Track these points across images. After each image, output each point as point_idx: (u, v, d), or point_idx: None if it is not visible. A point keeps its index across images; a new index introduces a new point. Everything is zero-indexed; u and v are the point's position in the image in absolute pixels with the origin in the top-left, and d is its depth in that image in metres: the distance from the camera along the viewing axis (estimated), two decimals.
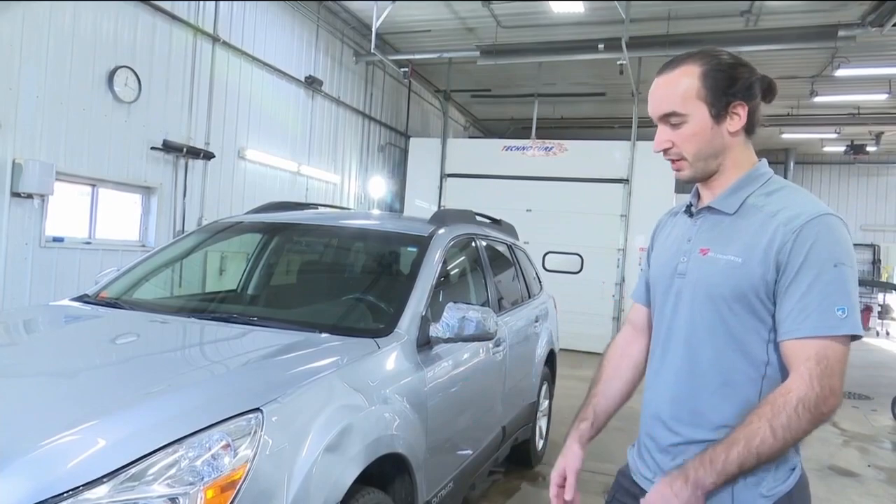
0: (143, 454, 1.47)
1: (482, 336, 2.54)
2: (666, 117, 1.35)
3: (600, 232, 10.14)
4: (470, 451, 3.02)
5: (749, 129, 1.37)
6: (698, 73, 1.33)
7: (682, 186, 13.24)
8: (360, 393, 2.03)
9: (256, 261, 3.58)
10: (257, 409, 1.64)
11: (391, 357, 2.32)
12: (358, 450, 1.88)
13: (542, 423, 4.60)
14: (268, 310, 3.09)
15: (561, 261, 10.72)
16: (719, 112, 1.32)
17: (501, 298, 3.78)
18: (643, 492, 1.38)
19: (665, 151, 1.38)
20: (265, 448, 1.59)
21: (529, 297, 4.51)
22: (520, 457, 4.21)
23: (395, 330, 2.45)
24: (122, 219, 6.64)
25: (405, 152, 11.99)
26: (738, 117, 1.33)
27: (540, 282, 5.02)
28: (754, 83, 1.34)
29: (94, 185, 6.21)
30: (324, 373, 1.96)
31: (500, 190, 10.51)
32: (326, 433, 1.77)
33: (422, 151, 11.54)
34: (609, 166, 10.30)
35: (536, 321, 4.37)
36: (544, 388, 4.58)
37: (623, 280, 10.07)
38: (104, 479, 1.42)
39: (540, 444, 4.59)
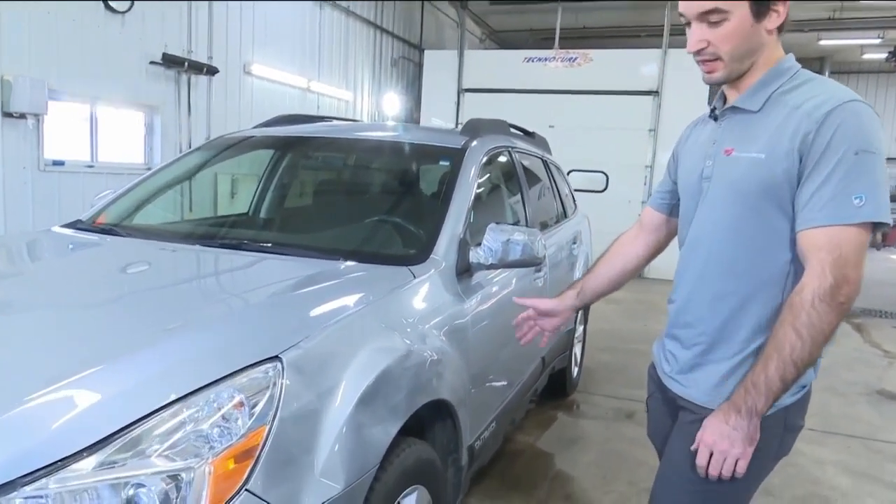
0: (137, 417, 1.17)
1: (529, 261, 2.20)
2: (705, 15, 1.29)
3: (627, 148, 9.62)
4: (511, 387, 2.74)
5: (782, 26, 1.32)
6: None
7: (714, 99, 12.65)
8: (397, 331, 1.71)
9: (269, 180, 3.22)
10: (275, 358, 1.33)
11: (429, 288, 1.99)
12: (398, 400, 1.58)
13: (576, 349, 4.34)
14: (284, 235, 2.75)
15: (585, 179, 10.21)
16: (761, 9, 1.27)
17: (540, 219, 3.43)
18: (665, 387, 1.49)
19: (698, 52, 1.32)
20: (288, 405, 1.29)
21: (565, 217, 4.15)
22: (555, 386, 3.97)
23: (431, 256, 2.11)
24: (125, 141, 6.27)
25: (419, 67, 11.35)
26: (778, 14, 1.29)
27: (574, 200, 4.65)
28: None
29: (91, 105, 5.80)
30: (353, 309, 1.64)
31: (521, 105, 9.94)
32: (360, 382, 1.46)
33: (437, 65, 10.90)
34: (637, 77, 9.67)
35: (574, 243, 4.03)
36: (579, 313, 4.29)
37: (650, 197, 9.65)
38: (89, 451, 1.12)
39: (575, 371, 4.34)
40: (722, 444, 1.26)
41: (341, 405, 1.40)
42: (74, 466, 1.10)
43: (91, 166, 5.82)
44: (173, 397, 1.20)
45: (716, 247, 1.35)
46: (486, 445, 2.39)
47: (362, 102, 10.14)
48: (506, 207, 3.08)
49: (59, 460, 1.11)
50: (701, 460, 1.30)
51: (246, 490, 1.16)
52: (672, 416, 1.50)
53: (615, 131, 9.68)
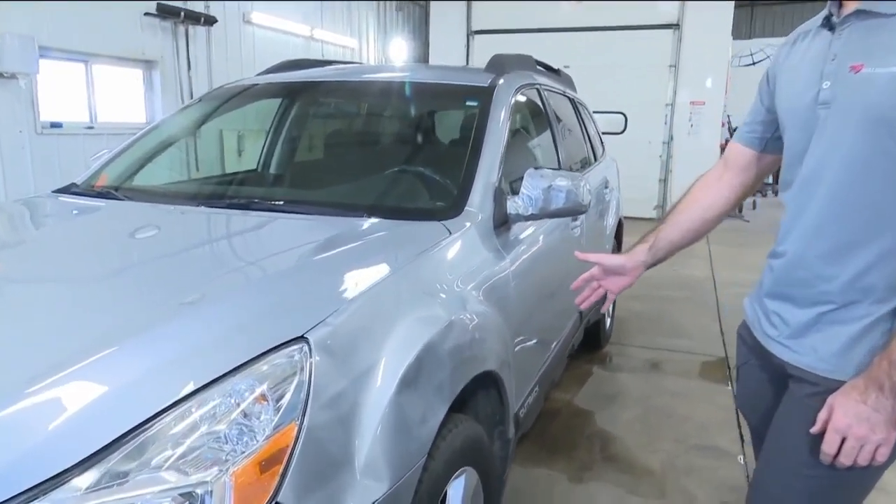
0: (144, 419, 0.96)
1: (573, 209, 1.96)
2: None
3: (646, 86, 9.19)
4: (552, 346, 2.54)
5: None
6: None
7: (739, 32, 12.02)
8: (436, 297, 1.49)
9: (278, 131, 2.96)
10: (301, 339, 1.11)
11: (466, 244, 1.76)
12: (444, 376, 1.37)
13: None
14: (299, 191, 2.51)
15: (603, 120, 9.80)
16: None
17: (571, 163, 3.16)
18: (769, 353, 1.26)
19: None
20: (319, 394, 1.07)
21: (595, 160, 3.87)
22: (589, 339, 3.77)
23: (466, 208, 1.87)
24: (124, 99, 6.00)
25: (426, 10, 10.86)
26: None
27: (602, 142, 4.37)
28: None
29: (86, 62, 5.52)
30: (386, 274, 1.42)
31: (535, 46, 9.37)
32: (401, 360, 1.25)
33: (445, 6, 10.40)
34: (656, 10, 9.16)
35: (606, 188, 3.77)
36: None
37: (671, 138, 9.28)
38: (86, 464, 0.92)
39: (608, 322, 4.14)
40: (860, 428, 1.04)
41: (381, 389, 1.19)
42: (67, 487, 0.90)
43: (90, 127, 5.58)
44: (186, 392, 0.99)
45: (842, 188, 1.10)
46: (530, 412, 2.20)
47: (368, 49, 9.74)
48: (538, 151, 2.82)
49: (51, 478, 0.90)
50: (829, 447, 1.08)
51: (276, 503, 0.96)
52: (775, 387, 1.28)
53: (634, 69, 9.23)
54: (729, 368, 3.77)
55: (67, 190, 2.31)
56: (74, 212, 2.10)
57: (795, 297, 1.20)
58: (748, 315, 1.37)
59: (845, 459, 1.07)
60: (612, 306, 4.28)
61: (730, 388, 3.50)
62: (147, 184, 2.41)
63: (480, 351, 1.57)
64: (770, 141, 1.31)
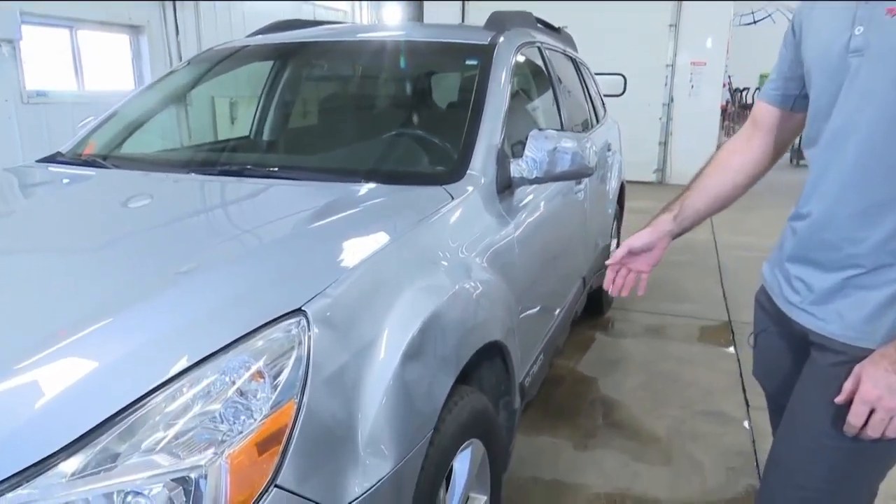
0: (134, 398, 0.90)
1: (580, 172, 1.89)
2: None
3: (645, 47, 8.99)
4: (556, 313, 2.48)
5: None
6: None
7: None
8: (439, 265, 1.42)
9: (270, 95, 2.86)
10: (298, 311, 1.04)
11: (469, 209, 1.69)
12: (450, 347, 1.31)
13: None
14: (293, 157, 2.42)
15: (602, 82, 9.64)
16: None
17: (573, 125, 3.07)
18: (789, 320, 1.19)
19: None
20: (319, 370, 1.01)
21: (597, 122, 3.78)
22: (591, 305, 3.71)
23: (468, 172, 1.79)
24: (112, 68, 5.84)
25: None
26: None
27: (604, 103, 4.26)
28: None
29: (71, 28, 5.35)
30: (387, 241, 1.34)
31: (532, 8, 9.24)
32: (405, 332, 1.19)
33: None
34: None
35: (609, 150, 3.68)
36: (614, 227, 3.99)
37: (671, 100, 9.13)
38: (73, 447, 0.86)
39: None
40: (891, 400, 0.98)
41: (384, 363, 1.13)
42: (54, 471, 0.84)
43: (78, 96, 5.43)
44: (177, 370, 0.93)
45: (874, 143, 1.01)
46: (535, 380, 2.16)
47: (361, 15, 9.50)
48: (540, 113, 2.73)
49: (36, 463, 0.85)
50: (856, 419, 1.03)
51: (276, 486, 0.91)
52: (795, 356, 1.22)
53: (632, 30, 9.02)
54: (733, 333, 3.73)
55: (52, 159, 2.22)
56: (62, 181, 2.02)
57: (820, 260, 1.13)
58: (767, 280, 1.30)
59: (872, 432, 1.01)
60: None
61: (734, 352, 3.47)
62: (135, 152, 2.32)
63: (486, 320, 1.51)
64: (798, 99, 1.22)
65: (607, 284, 1.48)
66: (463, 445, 1.45)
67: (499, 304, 1.61)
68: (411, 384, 1.17)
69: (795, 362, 1.21)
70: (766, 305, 1.31)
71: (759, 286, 1.37)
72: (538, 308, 2.15)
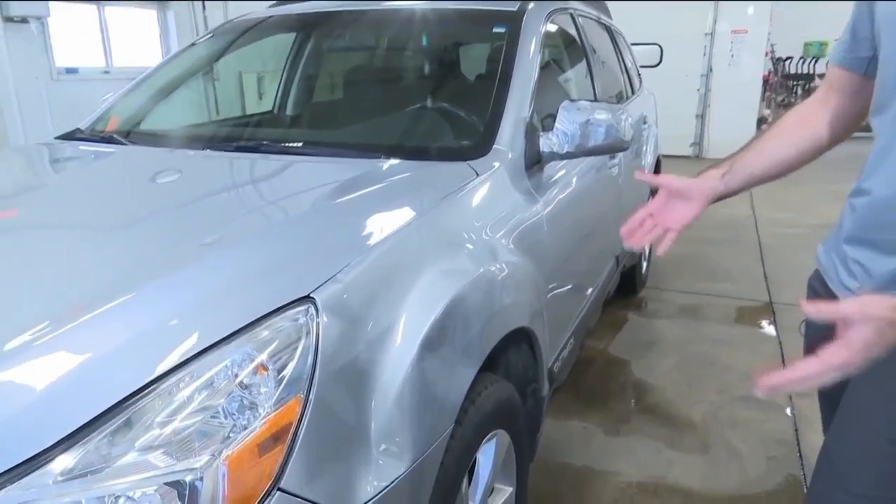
0: (128, 394, 0.84)
1: (614, 146, 1.77)
2: None
3: (683, 15, 8.65)
4: (588, 294, 2.38)
5: None
6: None
7: None
8: (462, 246, 1.33)
9: (293, 69, 2.78)
10: (307, 298, 0.97)
11: (495, 186, 1.59)
12: (473, 335, 1.22)
13: None
14: (314, 132, 2.34)
15: (636, 53, 9.38)
16: None
17: (607, 96, 2.92)
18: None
19: None
20: (328, 362, 0.94)
21: (632, 93, 3.61)
22: (624, 284, 3.59)
23: (494, 147, 1.69)
24: (140, 44, 5.82)
25: None
26: None
27: (640, 74, 4.09)
28: None
29: (98, 4, 5.33)
30: (406, 222, 1.26)
31: None
32: (423, 320, 1.10)
33: None
34: None
35: (644, 123, 3.52)
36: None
37: (710, 70, 8.80)
38: (62, 445, 0.80)
39: (644, 266, 3.95)
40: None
41: (400, 353, 1.05)
42: (42, 471, 0.79)
43: (107, 72, 5.44)
44: (172, 364, 0.86)
45: None
46: (564, 365, 2.06)
47: None
48: (572, 84, 2.60)
49: (23, 462, 0.79)
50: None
51: (279, 489, 0.84)
52: None
53: None
54: (774, 314, 3.57)
55: (72, 136, 2.18)
56: (79, 158, 1.97)
57: (882, 243, 1.00)
58: (822, 263, 1.18)
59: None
60: (648, 249, 4.09)
61: (775, 334, 3.32)
62: (156, 128, 2.26)
63: (512, 305, 1.42)
64: (871, 62, 1.08)
65: (624, 230, 1.28)
66: (487, 437, 1.37)
67: (526, 288, 1.51)
68: (430, 375, 1.09)
69: None
70: (819, 291, 1.19)
71: (812, 270, 1.24)
72: (569, 290, 2.05)
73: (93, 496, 0.78)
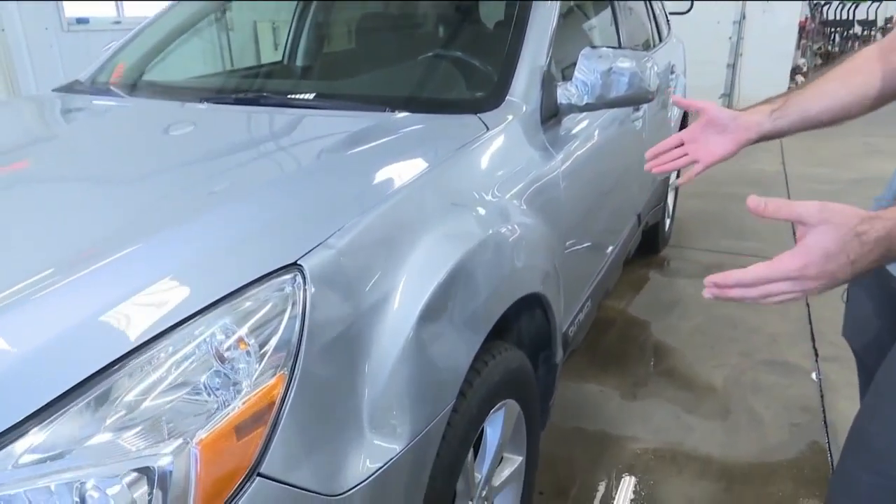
0: (97, 369, 0.77)
1: (638, 97, 1.64)
2: None
3: None
4: (607, 254, 2.28)
5: None
6: None
7: None
8: (469, 207, 1.24)
9: (303, 17, 2.65)
10: (293, 266, 0.89)
11: (507, 141, 1.48)
12: (478, 304, 1.14)
13: (668, 199, 3.77)
14: (318, 83, 2.23)
15: None
16: None
17: (633, 45, 2.76)
18: (889, 275, 0.96)
19: None
20: (315, 336, 0.86)
21: (660, 41, 3.42)
22: (647, 242, 3.47)
23: (507, 98, 1.57)
24: None
25: None
26: None
27: (668, 21, 3.87)
28: None
29: None
30: (406, 180, 1.16)
31: None
32: (424, 287, 1.02)
33: None
34: None
35: (672, 73, 3.34)
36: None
37: (743, 17, 8.39)
38: (27, 425, 0.74)
39: (667, 223, 3.82)
40: (817, 268, 0.72)
41: (397, 324, 0.97)
42: (4, 451, 0.73)
43: (118, 22, 5.31)
44: (142, 339, 0.79)
45: None
46: (580, 329, 1.98)
47: None
48: (595, 31, 2.44)
49: None
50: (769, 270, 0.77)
51: (258, 475, 0.77)
52: (891, 318, 1.01)
53: None
54: None
55: (70, 88, 2.09)
56: (72, 111, 1.89)
57: None
58: None
59: (755, 293, 0.77)
60: (672, 206, 3.94)
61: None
62: (154, 79, 2.16)
63: (523, 270, 1.33)
64: None
65: (649, 153, 1.18)
66: (495, 408, 1.30)
67: (539, 251, 1.42)
68: (430, 348, 1.01)
69: (891, 325, 1.00)
70: None
71: None
72: (586, 250, 1.95)
73: (57, 482, 0.72)
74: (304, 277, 0.88)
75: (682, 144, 1.16)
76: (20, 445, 0.73)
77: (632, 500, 1.88)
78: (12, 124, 1.79)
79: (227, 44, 3.54)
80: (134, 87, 2.03)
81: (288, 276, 0.88)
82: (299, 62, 2.61)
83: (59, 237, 0.99)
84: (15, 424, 0.74)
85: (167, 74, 2.26)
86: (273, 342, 0.83)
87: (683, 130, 1.14)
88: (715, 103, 1.13)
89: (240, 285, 0.85)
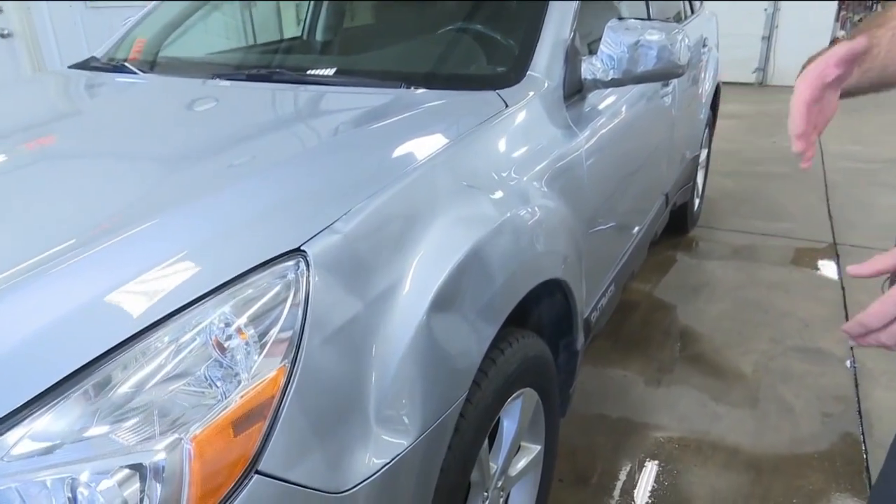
0: (89, 359, 0.74)
1: (667, 72, 1.55)
2: None
3: None
4: (632, 235, 2.20)
5: None
6: None
7: None
8: (486, 189, 1.18)
9: None
10: (296, 252, 0.84)
11: (528, 119, 1.41)
12: (493, 291, 1.08)
13: (698, 178, 3.66)
14: (332, 59, 2.18)
15: None
16: None
17: (665, 17, 2.65)
18: None
19: None
20: (319, 326, 0.82)
21: (691, 13, 3.29)
22: (675, 222, 3.37)
23: (528, 73, 1.50)
24: None
25: None
26: None
27: None
28: None
29: None
30: (419, 161, 1.11)
31: None
32: (436, 274, 0.97)
33: None
34: None
35: (704, 46, 3.21)
36: (705, 135, 3.56)
37: None
38: (21, 415, 0.71)
39: (696, 203, 3.71)
40: None
41: (406, 313, 0.92)
42: None
43: None
44: (135, 329, 0.75)
45: None
46: (603, 314, 1.92)
47: None
48: (622, 2, 2.34)
49: None
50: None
51: (257, 472, 0.74)
52: None
53: None
54: (838, 256, 3.32)
55: (86, 65, 2.07)
56: (89, 87, 1.87)
57: None
58: None
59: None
60: (702, 185, 3.82)
61: (838, 279, 3.08)
62: (170, 56, 2.13)
63: (542, 255, 1.27)
64: None
65: (797, 131, 0.80)
66: (512, 397, 1.26)
67: (559, 235, 1.36)
68: (442, 337, 0.96)
69: None
70: None
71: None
72: (610, 233, 1.88)
73: (51, 477, 0.69)
74: (307, 264, 0.84)
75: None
76: (12, 437, 0.71)
77: (654, 490, 1.83)
78: (29, 101, 1.77)
79: (251, 18, 3.50)
80: (147, 63, 1.99)
81: (290, 263, 0.83)
82: (318, 38, 2.55)
83: (59, 218, 0.96)
84: (6, 415, 0.72)
85: (189, 50, 2.23)
86: (274, 332, 0.79)
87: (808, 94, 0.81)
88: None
89: (241, 271, 0.81)
